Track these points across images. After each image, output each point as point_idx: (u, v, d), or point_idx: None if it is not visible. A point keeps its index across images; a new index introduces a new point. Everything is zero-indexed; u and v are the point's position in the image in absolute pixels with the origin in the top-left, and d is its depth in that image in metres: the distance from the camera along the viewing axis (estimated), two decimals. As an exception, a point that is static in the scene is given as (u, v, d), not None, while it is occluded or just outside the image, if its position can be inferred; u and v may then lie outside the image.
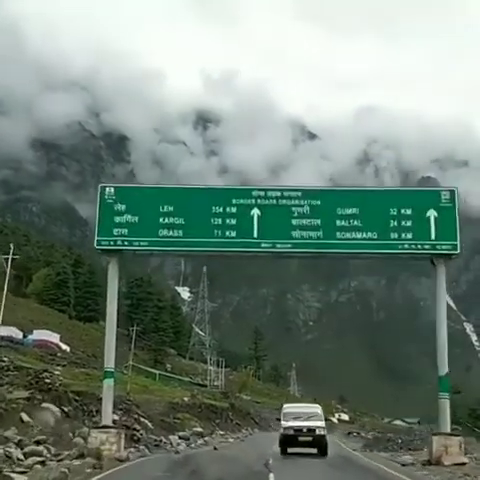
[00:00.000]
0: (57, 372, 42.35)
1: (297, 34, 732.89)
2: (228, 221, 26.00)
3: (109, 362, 26.12)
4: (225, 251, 26.96)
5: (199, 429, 52.54)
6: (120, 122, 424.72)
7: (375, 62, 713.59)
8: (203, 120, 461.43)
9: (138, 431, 39.10)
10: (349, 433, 58.59)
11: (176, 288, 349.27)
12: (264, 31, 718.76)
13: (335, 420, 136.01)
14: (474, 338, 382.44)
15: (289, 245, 25.97)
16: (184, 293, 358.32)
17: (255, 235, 25.86)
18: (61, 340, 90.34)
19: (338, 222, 25.99)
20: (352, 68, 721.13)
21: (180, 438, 45.53)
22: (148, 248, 26.85)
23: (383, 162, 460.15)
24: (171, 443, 39.58)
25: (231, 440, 48.69)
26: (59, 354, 79.94)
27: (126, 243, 26.28)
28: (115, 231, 26.21)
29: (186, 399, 73.34)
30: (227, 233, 25.96)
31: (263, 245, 25.95)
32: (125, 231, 26.19)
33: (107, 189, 26.88)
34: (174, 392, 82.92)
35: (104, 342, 26.72)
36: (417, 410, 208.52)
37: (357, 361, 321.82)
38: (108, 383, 26.21)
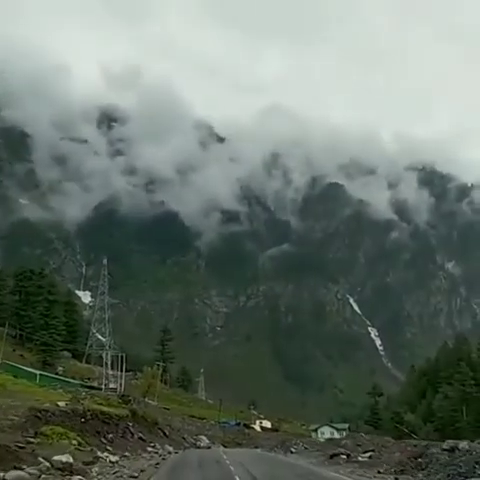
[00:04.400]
0: None
1: (204, 34, 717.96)
2: None
3: None
4: None
5: (65, 458, 25.66)
6: (20, 118, 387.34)
7: (282, 66, 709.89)
8: (107, 119, 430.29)
9: None
10: (333, 456, 32.52)
11: (77, 292, 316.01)
12: (169, 29, 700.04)
13: (258, 428, 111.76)
14: (378, 342, 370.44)
15: None
16: (85, 297, 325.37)
17: None
18: None
19: None
20: (259, 71, 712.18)
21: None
22: None
23: (291, 163, 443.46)
24: None
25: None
26: None
27: None
28: None
29: (61, 404, 45.86)
30: None
31: None
32: None
33: None
34: (50, 395, 55.09)
35: None
36: (325, 414, 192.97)
37: (265, 366, 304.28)
38: None
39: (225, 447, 77.00)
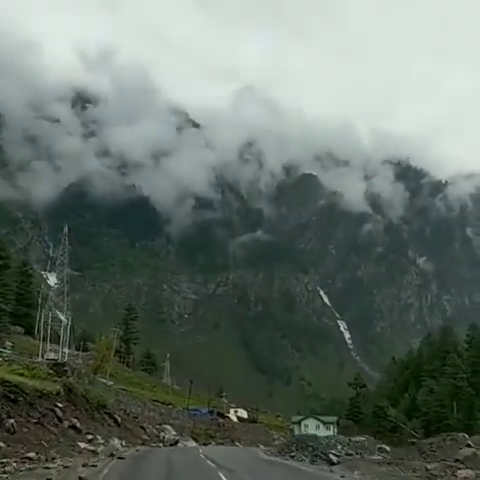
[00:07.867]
0: None
1: (181, 18, 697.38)
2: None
3: None
4: None
5: None
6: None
7: (258, 52, 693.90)
8: (81, 99, 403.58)
9: None
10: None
11: (42, 273, 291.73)
12: (145, 12, 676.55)
13: (233, 417, 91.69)
14: (347, 336, 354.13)
15: None
16: (52, 278, 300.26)
17: None
18: None
19: None
20: (236, 56, 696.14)
21: None
22: None
23: (266, 152, 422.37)
24: None
25: None
26: None
27: None
28: None
29: None
30: None
31: None
32: None
33: None
34: None
35: None
36: (293, 406, 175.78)
37: (232, 354, 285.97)
38: None
39: (196, 441, 56.41)
